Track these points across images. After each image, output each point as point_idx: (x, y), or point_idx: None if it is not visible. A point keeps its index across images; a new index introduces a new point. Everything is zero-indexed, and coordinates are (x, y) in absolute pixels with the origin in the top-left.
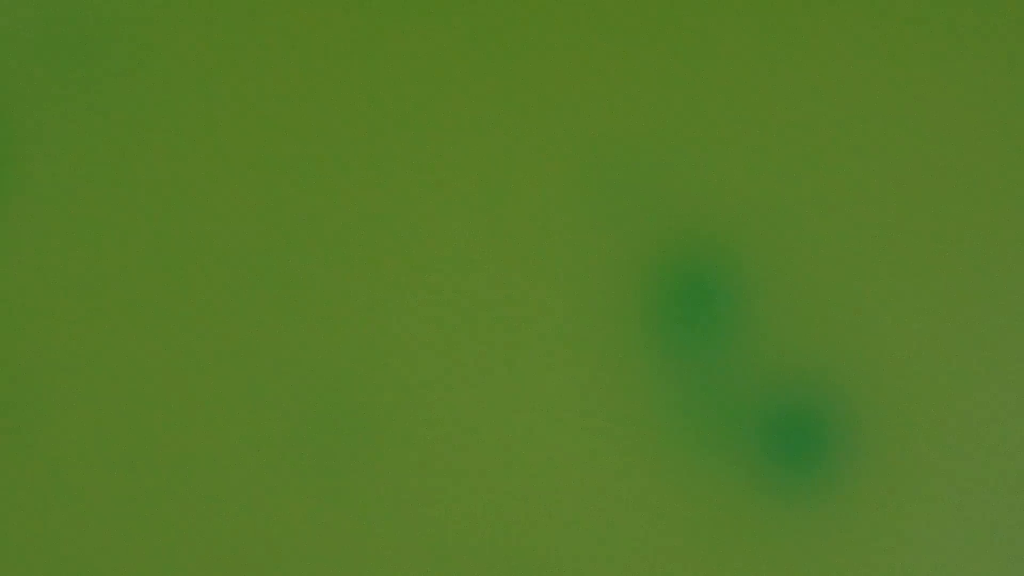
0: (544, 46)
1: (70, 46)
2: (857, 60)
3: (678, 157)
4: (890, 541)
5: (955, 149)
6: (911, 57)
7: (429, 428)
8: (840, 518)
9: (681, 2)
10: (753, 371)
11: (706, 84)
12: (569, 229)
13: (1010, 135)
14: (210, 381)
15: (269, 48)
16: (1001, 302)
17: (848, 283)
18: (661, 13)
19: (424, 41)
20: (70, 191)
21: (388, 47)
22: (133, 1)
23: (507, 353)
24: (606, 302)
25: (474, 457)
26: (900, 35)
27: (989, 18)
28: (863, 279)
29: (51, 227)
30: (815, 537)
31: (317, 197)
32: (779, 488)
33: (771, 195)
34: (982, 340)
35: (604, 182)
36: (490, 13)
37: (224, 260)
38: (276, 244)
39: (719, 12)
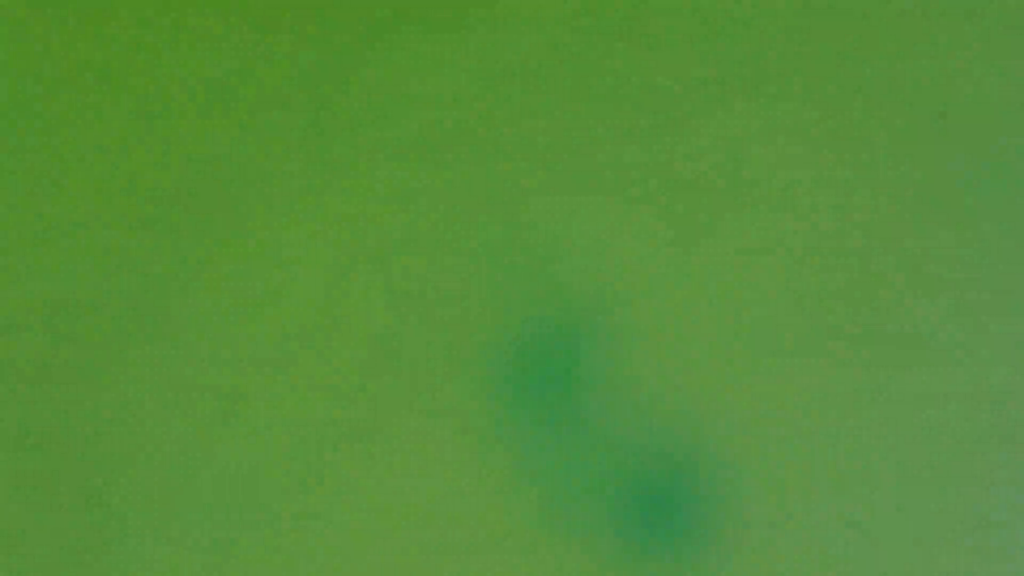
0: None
1: None
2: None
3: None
4: None
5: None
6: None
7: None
8: None
9: (529, 90)
10: (614, 442)
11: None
12: (422, 302)
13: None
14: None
15: None
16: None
17: (714, 356)
18: (519, 95)
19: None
20: None
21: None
22: None
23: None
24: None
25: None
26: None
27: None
28: (730, 353)
29: None
30: None
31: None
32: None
33: (637, 266)
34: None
35: (457, 251)
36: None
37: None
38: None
39: (569, 96)
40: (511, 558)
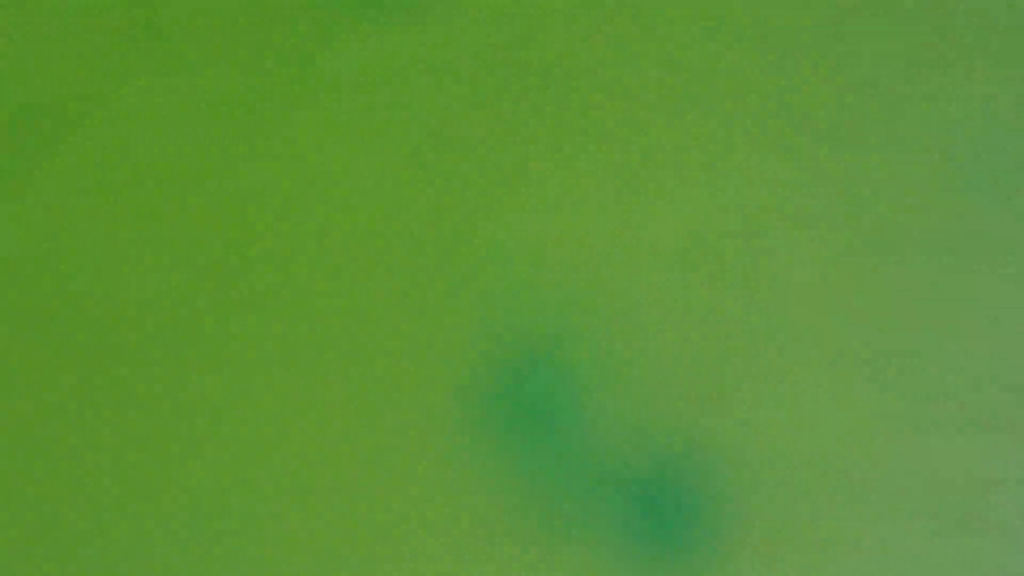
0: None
1: None
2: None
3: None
4: None
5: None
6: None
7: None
8: None
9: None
10: (608, 452)
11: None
12: (407, 325)
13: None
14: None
15: None
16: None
17: (707, 361)
18: (512, 122)
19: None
20: None
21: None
22: None
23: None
24: (444, 400)
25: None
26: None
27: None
28: (722, 358)
29: None
30: None
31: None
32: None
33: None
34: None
35: (443, 282)
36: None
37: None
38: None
39: (562, 124)
40: (508, 566)
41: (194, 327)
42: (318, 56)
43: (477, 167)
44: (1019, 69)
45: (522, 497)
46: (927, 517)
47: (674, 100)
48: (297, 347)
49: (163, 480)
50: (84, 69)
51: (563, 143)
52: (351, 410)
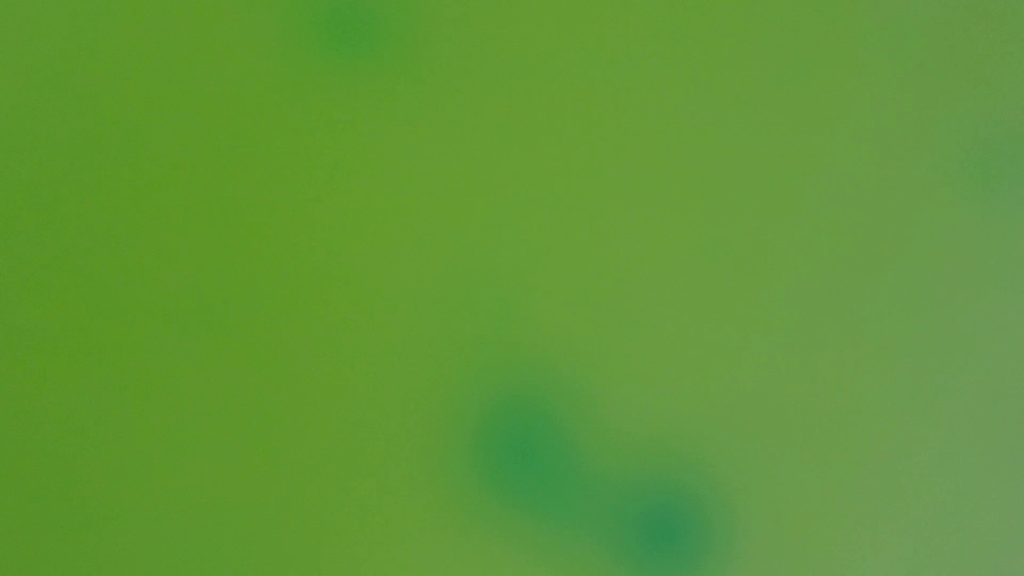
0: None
1: None
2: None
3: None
4: None
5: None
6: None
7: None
8: None
9: (512, 138)
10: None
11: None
12: (397, 354)
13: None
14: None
15: None
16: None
17: (708, 365)
18: (503, 143)
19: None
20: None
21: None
22: None
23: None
24: (428, 430)
25: None
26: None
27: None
28: (727, 362)
29: None
30: None
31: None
32: None
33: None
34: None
35: (431, 307)
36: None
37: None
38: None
39: (555, 149)
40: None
41: (177, 344)
42: (305, 75)
43: (464, 192)
44: (1019, 69)
45: (515, 505)
46: (927, 517)
47: (669, 111)
48: (276, 374)
49: (160, 478)
50: (82, 73)
51: (554, 167)
52: (334, 426)
